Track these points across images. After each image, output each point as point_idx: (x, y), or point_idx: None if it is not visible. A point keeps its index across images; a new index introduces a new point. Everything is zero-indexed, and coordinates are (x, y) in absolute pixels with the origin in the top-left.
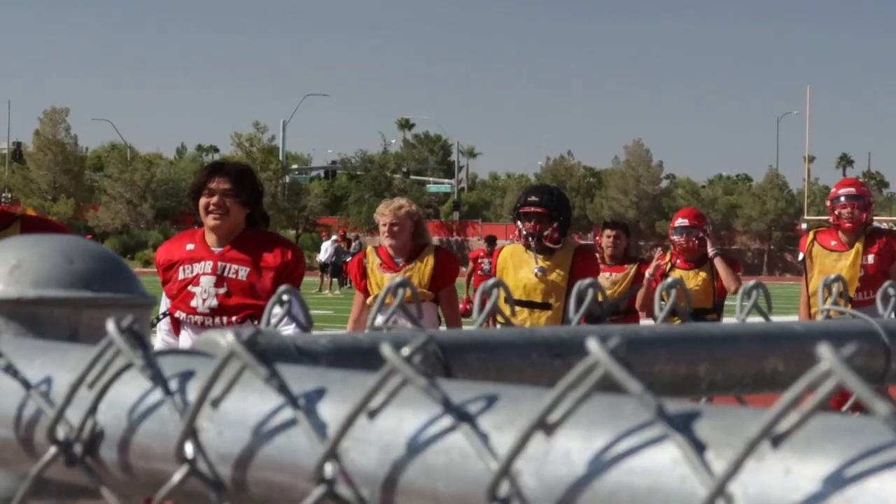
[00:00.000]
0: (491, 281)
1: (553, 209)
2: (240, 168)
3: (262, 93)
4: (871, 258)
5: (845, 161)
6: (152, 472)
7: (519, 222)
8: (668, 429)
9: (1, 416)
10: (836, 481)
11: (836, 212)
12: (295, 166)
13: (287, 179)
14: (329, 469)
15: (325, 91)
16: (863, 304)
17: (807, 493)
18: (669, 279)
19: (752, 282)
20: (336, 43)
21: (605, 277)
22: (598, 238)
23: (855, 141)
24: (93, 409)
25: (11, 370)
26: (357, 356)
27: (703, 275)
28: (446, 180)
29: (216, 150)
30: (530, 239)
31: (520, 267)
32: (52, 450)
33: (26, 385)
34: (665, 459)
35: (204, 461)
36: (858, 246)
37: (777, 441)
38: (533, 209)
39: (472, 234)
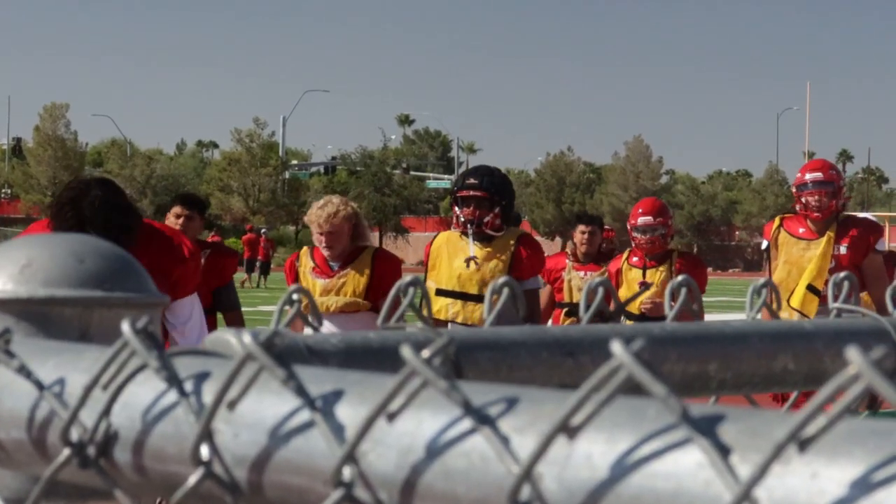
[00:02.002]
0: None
1: (494, 193)
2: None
3: (262, 89)
4: (843, 248)
5: (845, 156)
6: (167, 475)
7: (456, 207)
8: (692, 432)
9: (14, 418)
10: (863, 485)
11: (803, 199)
12: (295, 162)
13: (287, 175)
14: (347, 472)
15: (325, 87)
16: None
17: (834, 498)
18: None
19: (762, 279)
20: (336, 39)
21: (579, 277)
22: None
23: (855, 136)
24: (107, 411)
25: (25, 371)
26: (368, 356)
27: (663, 273)
28: (446, 176)
29: (216, 146)
30: (468, 225)
31: (454, 255)
32: (66, 451)
33: (39, 386)
34: (689, 463)
35: (220, 464)
36: (830, 234)
37: (803, 445)
38: (472, 193)
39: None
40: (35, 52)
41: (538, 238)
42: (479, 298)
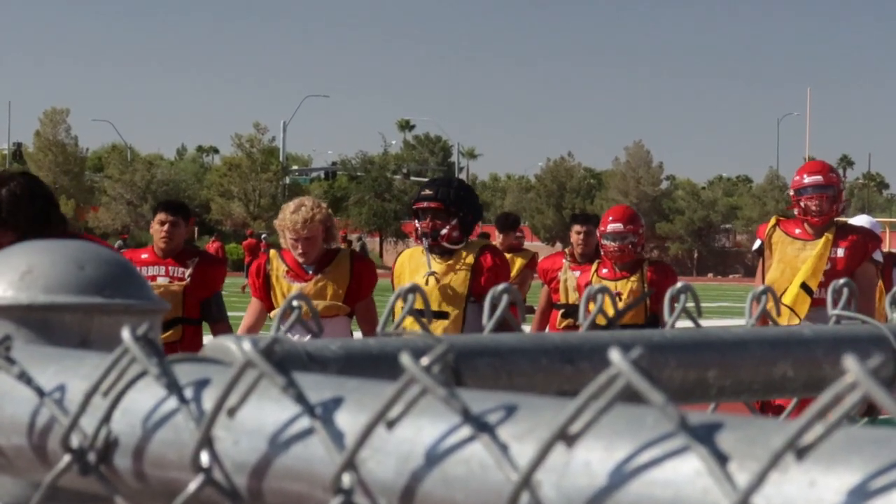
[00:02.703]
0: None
1: (450, 204)
2: None
3: (263, 94)
4: (840, 251)
5: (845, 162)
6: (167, 481)
7: (416, 220)
8: (690, 440)
9: (14, 424)
10: (861, 493)
11: (802, 204)
12: (295, 167)
13: (287, 180)
14: (346, 479)
15: (326, 92)
16: (824, 304)
17: None
18: (597, 285)
19: (761, 286)
20: (336, 44)
21: (575, 277)
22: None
23: (855, 142)
24: (107, 418)
25: (25, 378)
26: (367, 363)
27: (633, 283)
28: None
29: (216, 151)
30: (424, 238)
31: (416, 271)
32: (66, 458)
33: (40, 392)
34: (687, 471)
35: (220, 470)
36: (828, 236)
37: (801, 453)
38: (427, 205)
39: (472, 235)
40: (35, 56)
41: (538, 244)
42: (438, 315)
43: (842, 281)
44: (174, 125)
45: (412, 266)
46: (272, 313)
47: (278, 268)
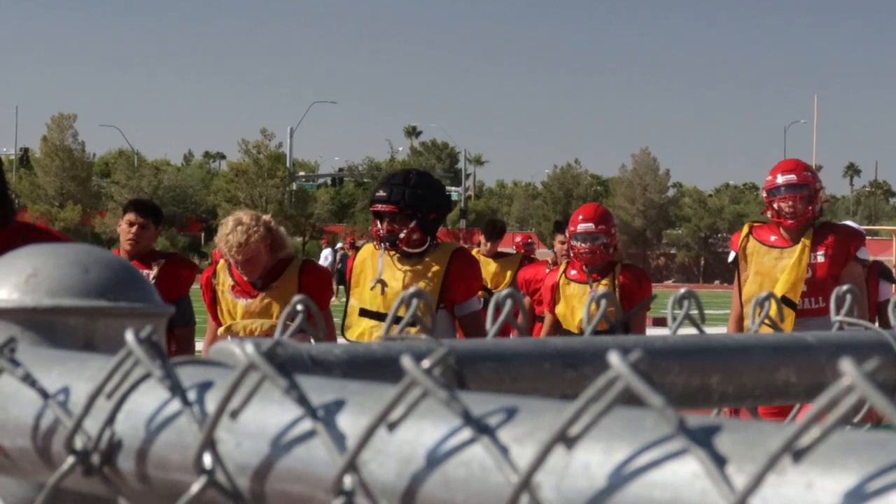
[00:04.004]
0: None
1: (406, 206)
2: None
3: (270, 100)
4: (820, 256)
5: (852, 170)
6: (170, 483)
7: (378, 221)
8: (688, 442)
9: (18, 426)
10: (858, 496)
11: (775, 205)
12: (302, 173)
13: (294, 187)
14: (348, 481)
15: (333, 98)
16: (810, 314)
17: None
18: (600, 291)
19: (764, 293)
20: (343, 50)
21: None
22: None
23: (862, 150)
24: (111, 420)
25: (29, 380)
26: (371, 367)
27: (605, 287)
28: (453, 188)
29: (223, 157)
30: (382, 244)
31: (382, 272)
32: (70, 460)
33: (44, 395)
34: (685, 473)
35: (222, 472)
36: (805, 241)
37: (798, 455)
38: (381, 207)
39: (478, 241)
40: (42, 62)
41: (544, 251)
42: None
43: (845, 287)
44: (181, 131)
45: (374, 264)
46: (219, 331)
47: (224, 281)
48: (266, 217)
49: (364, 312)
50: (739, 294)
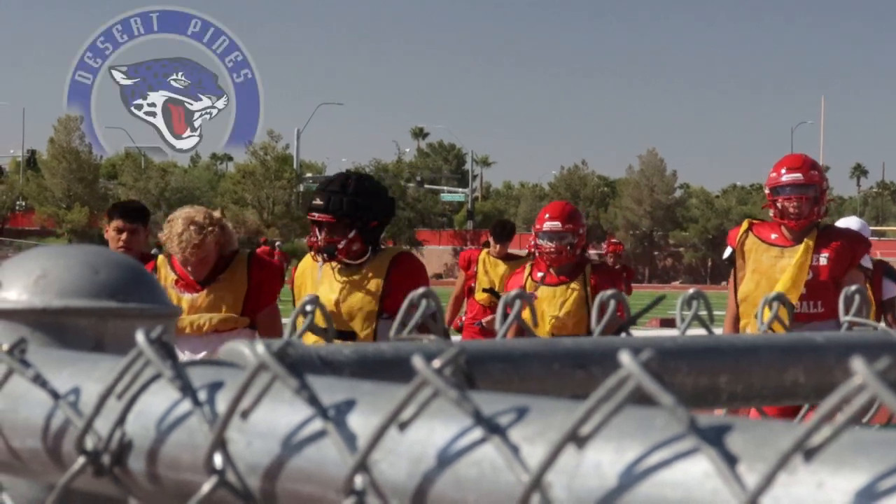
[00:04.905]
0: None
1: (343, 216)
2: None
3: (277, 101)
4: (823, 259)
5: (859, 171)
6: (181, 483)
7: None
8: (699, 442)
9: (29, 427)
10: (869, 495)
11: (779, 205)
12: (309, 175)
13: (301, 188)
14: (359, 481)
15: (340, 100)
16: (806, 319)
17: None
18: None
19: (773, 293)
20: (350, 52)
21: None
22: (607, 248)
23: (869, 151)
24: (121, 420)
25: (40, 380)
26: (381, 367)
27: (575, 290)
28: (460, 189)
29: (230, 159)
30: (320, 256)
31: (320, 282)
32: (81, 460)
33: (55, 395)
34: (696, 472)
35: (233, 472)
36: (808, 242)
37: (809, 454)
38: (318, 217)
39: (485, 241)
40: (49, 64)
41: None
42: (343, 335)
43: (853, 287)
44: None
45: (316, 274)
46: None
47: (166, 276)
48: (217, 214)
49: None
50: (735, 292)
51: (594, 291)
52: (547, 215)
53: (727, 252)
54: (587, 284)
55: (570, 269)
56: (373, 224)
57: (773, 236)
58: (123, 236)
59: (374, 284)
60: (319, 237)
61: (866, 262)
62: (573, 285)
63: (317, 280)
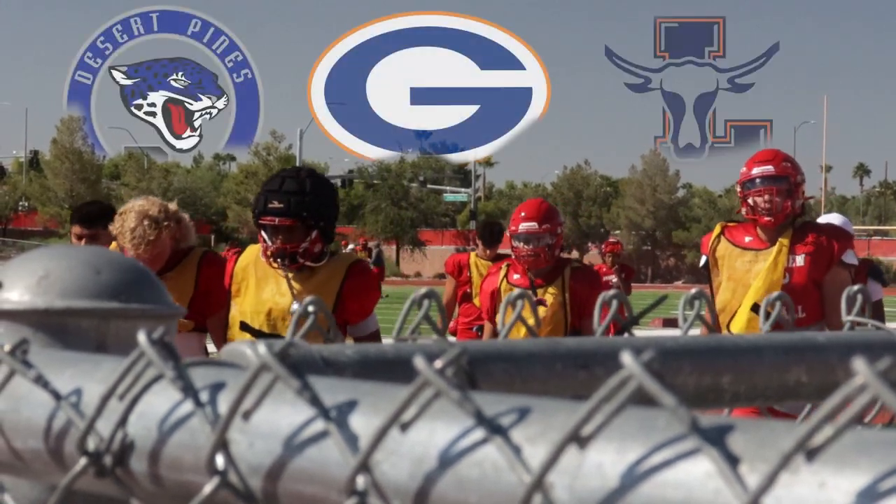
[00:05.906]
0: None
1: (306, 217)
2: None
3: (280, 101)
4: (800, 259)
5: (862, 171)
6: (182, 484)
7: (263, 233)
8: (701, 442)
9: (31, 427)
10: (870, 495)
11: (750, 200)
12: None
13: None
14: (361, 481)
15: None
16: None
17: None
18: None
19: (775, 293)
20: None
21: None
22: (605, 249)
23: (872, 150)
24: (123, 421)
25: (42, 381)
26: (383, 368)
27: (553, 295)
28: (463, 189)
29: (233, 159)
30: (279, 261)
31: (265, 282)
32: (83, 461)
33: (57, 396)
34: (698, 473)
35: (235, 473)
36: (783, 242)
37: (811, 454)
38: (278, 221)
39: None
40: (52, 64)
41: None
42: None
43: (856, 287)
44: None
45: (259, 274)
46: None
47: None
48: (173, 207)
49: (245, 327)
50: (711, 301)
51: (573, 295)
52: (522, 214)
53: (702, 260)
54: (566, 289)
55: (546, 271)
56: (330, 225)
57: (748, 239)
58: (83, 243)
59: (332, 289)
60: (275, 241)
61: (850, 258)
62: (551, 290)
63: (279, 279)
